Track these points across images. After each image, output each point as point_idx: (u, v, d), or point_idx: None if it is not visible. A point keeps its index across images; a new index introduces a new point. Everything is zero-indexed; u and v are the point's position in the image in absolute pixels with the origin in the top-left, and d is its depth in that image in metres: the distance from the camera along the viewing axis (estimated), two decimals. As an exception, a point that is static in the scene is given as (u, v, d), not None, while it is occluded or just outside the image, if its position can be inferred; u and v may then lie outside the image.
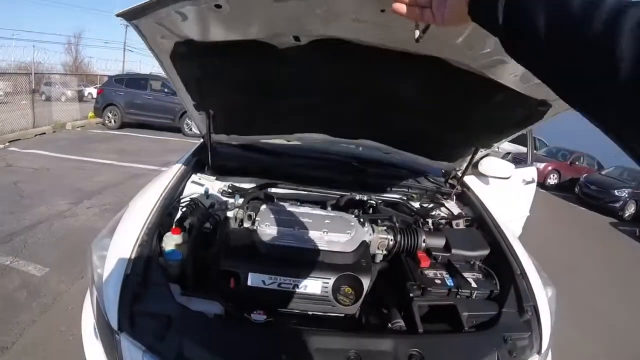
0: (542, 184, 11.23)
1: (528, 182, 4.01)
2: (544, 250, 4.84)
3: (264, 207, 1.57)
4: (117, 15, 0.97)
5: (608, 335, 3.38)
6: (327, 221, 1.52)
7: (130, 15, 0.97)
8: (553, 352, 1.42)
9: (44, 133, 9.33)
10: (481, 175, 3.12)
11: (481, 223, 1.82)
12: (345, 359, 1.03)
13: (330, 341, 1.10)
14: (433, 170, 2.29)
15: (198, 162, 1.99)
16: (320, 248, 1.36)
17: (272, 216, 1.50)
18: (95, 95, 12.31)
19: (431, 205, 2.09)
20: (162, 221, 1.45)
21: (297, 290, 1.25)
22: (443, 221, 1.87)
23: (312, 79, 1.44)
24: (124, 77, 11.73)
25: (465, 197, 2.10)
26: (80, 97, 14.26)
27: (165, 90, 10.57)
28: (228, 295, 1.24)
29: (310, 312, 1.32)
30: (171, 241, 1.41)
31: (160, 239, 1.40)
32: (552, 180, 11.79)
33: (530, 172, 4.07)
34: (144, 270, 1.19)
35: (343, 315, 1.33)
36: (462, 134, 1.80)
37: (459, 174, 2.17)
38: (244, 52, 1.22)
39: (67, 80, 15.29)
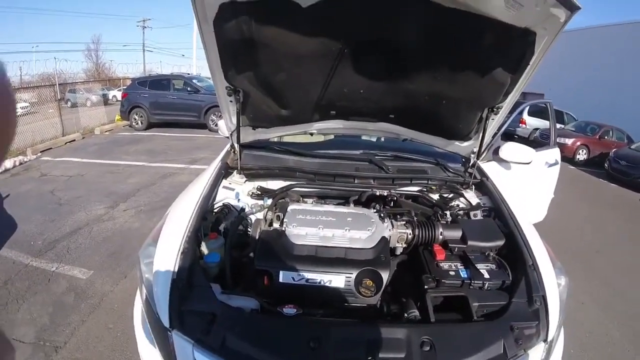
0: (571, 160, 10.92)
1: (551, 165, 3.97)
2: (569, 229, 4.74)
3: (290, 207, 1.69)
4: None
5: (624, 312, 3.27)
6: (349, 219, 1.62)
7: None
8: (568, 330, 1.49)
9: (74, 140, 9.67)
10: (503, 162, 3.13)
11: (498, 213, 1.86)
12: (364, 346, 1.15)
13: (351, 330, 1.24)
14: (453, 159, 2.32)
15: (227, 167, 2.12)
16: (343, 245, 1.47)
17: (298, 216, 1.62)
18: (119, 98, 12.70)
19: (451, 195, 2.12)
20: (200, 227, 1.59)
21: (323, 284, 1.36)
22: (461, 212, 1.92)
23: (332, 35, 1.50)
24: (147, 79, 12.02)
25: (484, 187, 2.12)
26: (105, 101, 14.65)
27: (188, 89, 10.84)
28: (262, 291, 1.38)
29: (335, 304, 1.41)
30: (210, 245, 1.57)
31: (199, 243, 1.55)
32: (581, 156, 11.45)
33: (553, 154, 4.02)
34: (188, 274, 1.34)
35: (365, 305, 1.41)
36: (468, 91, 1.78)
37: (476, 159, 2.19)
38: (274, 11, 1.35)
39: (91, 86, 15.66)
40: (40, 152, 8.21)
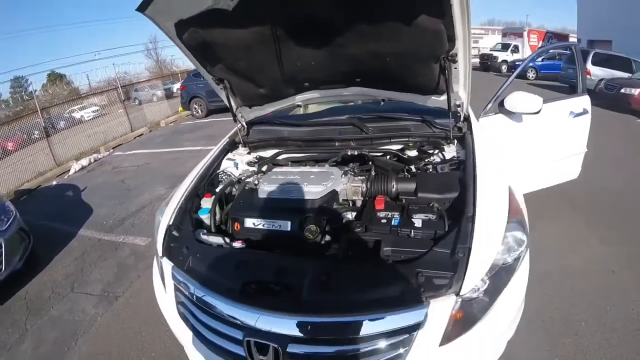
0: (638, 113, 9.74)
1: (578, 114, 3.60)
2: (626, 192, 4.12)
3: (269, 171, 2.02)
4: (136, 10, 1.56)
5: None
6: (312, 176, 1.90)
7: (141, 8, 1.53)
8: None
9: (142, 134, 10.83)
10: (510, 113, 3.02)
11: (463, 166, 1.89)
12: (274, 271, 1.44)
13: (270, 259, 1.56)
14: (443, 115, 2.23)
15: (232, 143, 2.54)
16: (297, 197, 1.77)
17: (272, 177, 1.96)
18: (182, 91, 13.74)
19: (430, 151, 2.21)
20: (199, 189, 2.05)
21: (275, 228, 1.68)
22: (430, 166, 2.06)
23: (261, 23, 1.74)
24: None
25: (465, 141, 2.11)
26: (170, 95, 15.69)
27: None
28: (235, 234, 1.76)
29: (287, 245, 1.68)
30: (204, 202, 2.01)
31: (198, 201, 2.00)
32: (651, 108, 10.16)
33: (581, 103, 3.60)
34: (179, 221, 1.81)
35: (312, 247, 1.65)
36: (404, 44, 1.77)
37: (467, 113, 2.20)
38: (210, 19, 1.62)
39: (154, 83, 16.93)
40: (112, 148, 9.37)
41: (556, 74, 13.03)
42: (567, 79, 11.58)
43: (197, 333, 1.50)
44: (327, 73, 2.12)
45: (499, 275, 1.39)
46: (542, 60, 15.62)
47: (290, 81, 2.23)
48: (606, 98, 8.97)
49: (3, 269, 3.18)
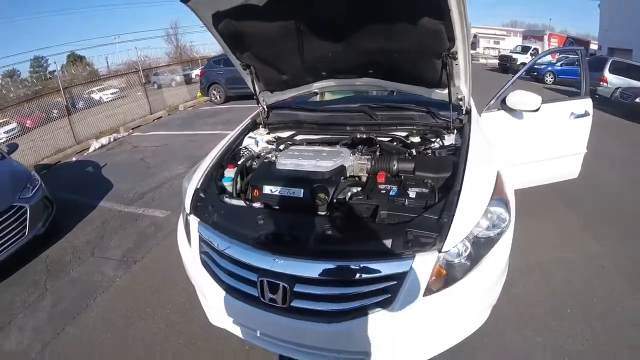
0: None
1: (579, 116, 3.70)
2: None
3: (287, 148, 2.31)
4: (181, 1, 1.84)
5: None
6: (324, 154, 2.14)
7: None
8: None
9: (161, 117, 11.14)
10: (511, 110, 3.17)
11: (458, 152, 2.08)
12: (287, 225, 1.68)
13: (284, 217, 1.79)
14: (446, 107, 2.40)
15: (254, 123, 2.82)
16: (310, 170, 2.01)
17: (288, 153, 2.23)
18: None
19: (433, 139, 2.40)
20: (223, 161, 2.35)
21: (289, 195, 1.90)
22: (429, 151, 2.27)
23: (286, 18, 2.00)
24: (222, 58, 12.88)
25: (464, 131, 2.30)
26: (190, 80, 16.01)
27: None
28: (254, 199, 2.01)
29: (299, 209, 1.90)
30: (227, 172, 2.30)
31: (222, 171, 2.29)
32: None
33: (582, 105, 3.70)
34: (206, 186, 2.10)
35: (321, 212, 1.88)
36: (409, 41, 1.98)
37: (468, 107, 2.39)
38: (244, 12, 1.89)
39: (174, 68, 17.28)
40: (132, 129, 9.68)
41: (572, 80, 12.95)
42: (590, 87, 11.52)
43: (216, 278, 1.74)
44: (343, 64, 2.37)
45: (481, 245, 1.61)
46: (561, 65, 15.55)
47: (309, 70, 2.48)
48: (621, 107, 8.93)
49: (27, 232, 3.47)
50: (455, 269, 1.54)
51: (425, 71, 2.24)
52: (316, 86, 2.71)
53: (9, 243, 3.30)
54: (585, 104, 3.61)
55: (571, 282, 2.63)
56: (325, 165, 2.02)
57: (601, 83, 10.99)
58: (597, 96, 10.78)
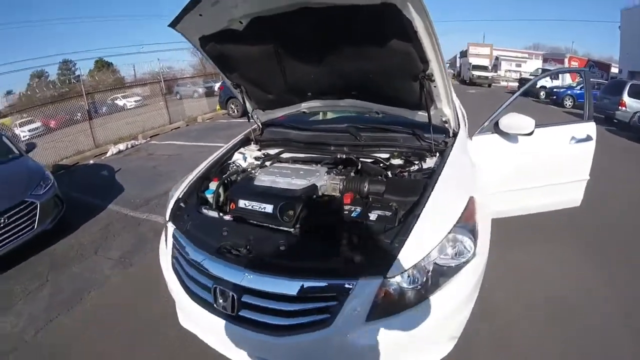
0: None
1: (580, 140, 3.56)
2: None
3: (268, 165, 2.41)
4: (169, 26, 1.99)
5: None
6: (301, 172, 2.23)
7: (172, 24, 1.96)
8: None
9: (179, 127, 11.50)
10: (504, 134, 3.10)
11: (432, 175, 2.03)
12: (247, 238, 1.73)
13: (248, 230, 1.84)
14: (435, 130, 2.40)
15: (246, 139, 2.95)
16: (283, 187, 2.09)
17: (269, 170, 2.34)
18: (223, 90, 14.32)
19: (416, 161, 2.40)
20: (210, 174, 2.46)
21: (262, 210, 1.97)
22: (405, 173, 2.28)
23: (265, 42, 2.12)
24: None
25: (445, 154, 2.28)
26: (211, 93, 16.27)
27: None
28: (231, 211, 2.10)
29: (269, 223, 1.96)
30: (211, 185, 2.41)
31: (207, 184, 2.40)
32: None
33: (584, 129, 3.52)
34: (186, 197, 2.22)
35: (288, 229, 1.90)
36: (383, 64, 2.02)
37: (456, 129, 2.41)
38: (227, 36, 2.03)
39: (196, 80, 17.90)
40: (150, 137, 10.03)
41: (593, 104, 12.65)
42: (602, 109, 11.28)
43: (182, 282, 1.86)
44: (325, 86, 2.47)
45: (442, 272, 1.57)
46: (581, 89, 15.24)
47: (293, 91, 2.60)
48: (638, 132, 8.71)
49: (35, 227, 3.72)
50: (408, 296, 1.51)
51: (405, 93, 2.25)
52: (304, 106, 2.81)
53: (17, 235, 3.56)
54: (588, 128, 3.36)
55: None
56: (298, 183, 2.10)
57: (620, 107, 10.71)
58: (615, 120, 10.59)
